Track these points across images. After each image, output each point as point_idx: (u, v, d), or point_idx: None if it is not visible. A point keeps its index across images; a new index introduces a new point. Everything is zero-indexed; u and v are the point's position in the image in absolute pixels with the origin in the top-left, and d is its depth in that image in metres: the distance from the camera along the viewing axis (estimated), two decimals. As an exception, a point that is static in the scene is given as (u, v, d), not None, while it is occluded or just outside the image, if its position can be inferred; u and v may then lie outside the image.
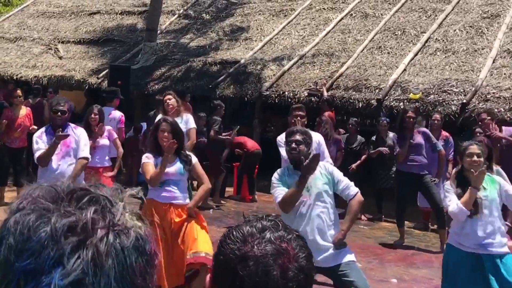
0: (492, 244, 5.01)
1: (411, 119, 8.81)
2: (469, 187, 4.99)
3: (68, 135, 6.14)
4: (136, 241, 0.90)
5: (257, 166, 11.51)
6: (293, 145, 4.86)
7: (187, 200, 5.73)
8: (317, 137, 7.01)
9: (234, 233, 1.34)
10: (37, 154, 6.19)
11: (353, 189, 4.82)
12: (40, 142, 6.22)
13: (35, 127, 10.21)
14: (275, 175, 4.98)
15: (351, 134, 10.86)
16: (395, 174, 9.51)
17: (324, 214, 4.78)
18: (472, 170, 5.01)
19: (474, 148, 5.14)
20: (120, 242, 0.88)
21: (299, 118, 6.98)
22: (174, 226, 5.55)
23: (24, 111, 9.99)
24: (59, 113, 6.24)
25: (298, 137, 4.88)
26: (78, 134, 6.38)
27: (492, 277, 4.90)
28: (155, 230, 5.46)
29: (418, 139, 8.78)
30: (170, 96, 8.02)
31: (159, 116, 8.11)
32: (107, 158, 8.06)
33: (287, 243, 1.30)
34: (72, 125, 6.46)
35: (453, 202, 5.09)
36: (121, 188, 0.98)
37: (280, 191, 4.82)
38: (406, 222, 9.09)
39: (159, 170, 5.49)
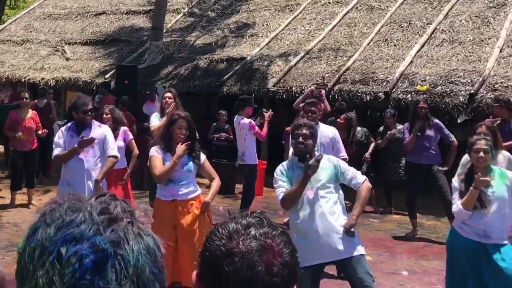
0: (491, 237, 4.82)
1: (423, 110, 8.78)
2: (471, 187, 4.78)
3: (92, 141, 6.05)
4: (153, 241, 0.99)
5: None
6: (300, 139, 4.70)
7: (197, 193, 5.62)
8: (332, 132, 6.97)
9: (220, 230, 1.36)
10: (55, 152, 6.17)
11: (360, 177, 4.70)
12: (60, 138, 6.19)
13: (46, 130, 10.21)
14: (280, 168, 4.82)
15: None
16: (405, 165, 9.47)
17: (328, 206, 4.63)
18: (478, 166, 4.85)
19: (481, 144, 4.89)
20: (141, 230, 0.98)
21: (310, 114, 6.84)
22: (180, 222, 5.48)
23: (30, 113, 10.02)
24: (89, 112, 6.21)
25: (305, 131, 4.71)
26: (104, 132, 6.29)
27: (492, 265, 4.78)
28: (161, 228, 5.42)
29: (429, 131, 8.74)
30: (170, 95, 7.95)
31: (156, 113, 8.09)
32: (122, 159, 7.98)
33: (272, 239, 1.33)
34: (97, 122, 6.43)
35: (455, 202, 4.92)
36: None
37: (281, 189, 4.68)
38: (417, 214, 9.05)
39: (167, 169, 5.40)
